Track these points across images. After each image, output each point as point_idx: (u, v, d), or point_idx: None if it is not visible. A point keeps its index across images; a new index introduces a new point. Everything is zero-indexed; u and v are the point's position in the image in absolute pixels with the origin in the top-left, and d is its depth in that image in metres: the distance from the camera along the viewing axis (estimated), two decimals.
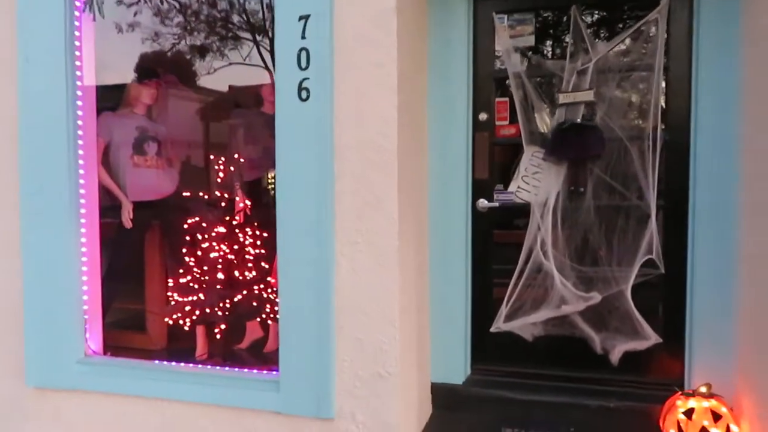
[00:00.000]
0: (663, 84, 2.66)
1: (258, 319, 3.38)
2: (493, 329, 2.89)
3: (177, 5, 4.69)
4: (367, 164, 2.37)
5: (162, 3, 4.69)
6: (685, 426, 2.32)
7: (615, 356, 2.71)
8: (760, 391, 2.15)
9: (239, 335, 3.48)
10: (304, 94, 2.37)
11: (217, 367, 2.72)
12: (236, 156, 3.42)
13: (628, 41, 2.72)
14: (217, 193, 3.39)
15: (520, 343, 2.85)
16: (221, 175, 3.36)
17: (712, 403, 2.34)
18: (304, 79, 2.37)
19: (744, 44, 2.44)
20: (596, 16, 2.90)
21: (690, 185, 2.63)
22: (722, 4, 2.51)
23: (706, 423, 2.30)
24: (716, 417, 2.30)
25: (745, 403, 2.34)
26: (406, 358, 2.48)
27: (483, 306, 2.95)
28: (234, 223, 3.33)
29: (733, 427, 2.29)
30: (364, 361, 2.41)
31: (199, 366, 2.78)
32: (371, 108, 2.34)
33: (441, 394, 2.90)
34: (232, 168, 3.39)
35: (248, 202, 3.35)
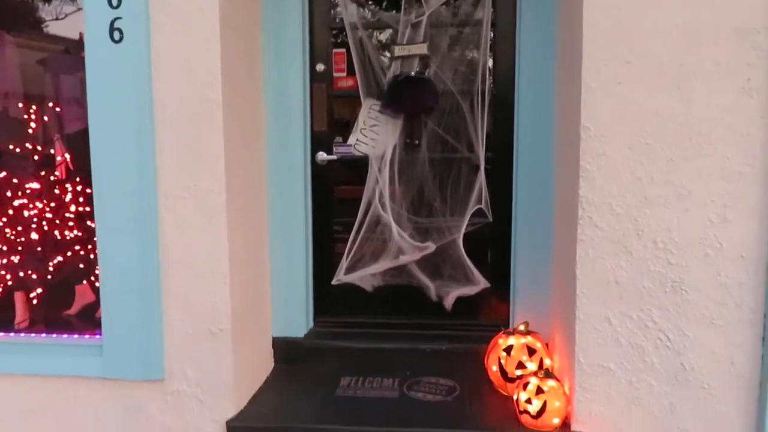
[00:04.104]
0: (491, 39, 2.74)
1: (86, 283, 3.14)
2: (334, 282, 2.91)
3: None
4: (191, 116, 2.23)
5: None
6: (505, 361, 2.50)
7: (449, 302, 2.84)
8: (565, 327, 2.36)
9: (69, 300, 3.22)
10: (116, 35, 2.17)
11: (33, 335, 2.51)
12: (51, 105, 3.08)
13: None
14: (29, 146, 3.05)
15: (361, 295, 2.90)
16: (33, 125, 3.02)
17: (528, 339, 2.53)
18: (116, 18, 2.16)
19: (557, 2, 2.56)
20: None
21: (514, 138, 2.76)
22: None
23: (523, 358, 2.49)
24: (531, 352, 2.50)
25: (557, 339, 2.56)
26: (240, 314, 2.42)
27: (324, 259, 2.96)
28: (53, 178, 3.03)
29: (546, 360, 2.50)
30: (195, 319, 2.32)
31: (11, 334, 2.54)
32: (193, 56, 2.19)
33: (283, 347, 2.90)
34: (46, 118, 3.07)
35: (68, 156, 3.06)
